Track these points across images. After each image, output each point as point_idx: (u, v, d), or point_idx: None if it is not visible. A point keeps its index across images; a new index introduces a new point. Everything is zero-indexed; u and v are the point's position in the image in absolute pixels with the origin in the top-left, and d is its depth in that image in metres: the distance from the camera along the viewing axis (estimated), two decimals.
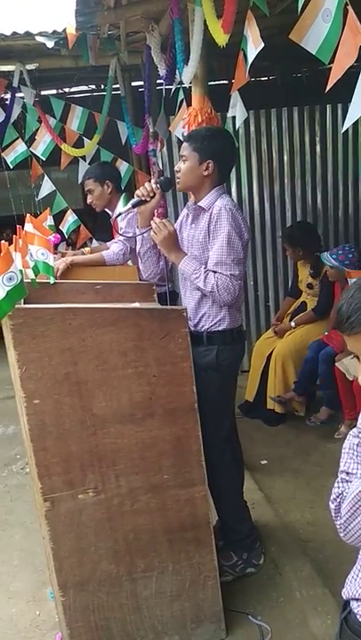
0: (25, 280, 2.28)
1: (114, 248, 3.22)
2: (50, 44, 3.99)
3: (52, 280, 2.39)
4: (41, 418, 1.86)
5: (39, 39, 4.00)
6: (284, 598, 2.34)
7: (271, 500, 3.01)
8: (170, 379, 1.95)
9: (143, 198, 2.28)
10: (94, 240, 4.72)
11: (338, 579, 2.35)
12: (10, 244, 1.98)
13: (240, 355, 2.47)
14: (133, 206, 2.31)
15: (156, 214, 3.43)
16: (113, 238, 2.92)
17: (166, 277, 2.51)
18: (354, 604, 1.11)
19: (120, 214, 2.37)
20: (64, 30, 3.86)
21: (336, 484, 1.12)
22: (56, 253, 3.68)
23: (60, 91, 6.43)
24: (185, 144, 2.31)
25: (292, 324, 4.01)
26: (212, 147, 2.26)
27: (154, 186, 2.28)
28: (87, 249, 3.77)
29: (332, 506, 1.11)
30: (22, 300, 2.16)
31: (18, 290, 1.82)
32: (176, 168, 2.36)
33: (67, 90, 6.51)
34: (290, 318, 4.12)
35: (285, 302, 4.35)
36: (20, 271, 1.90)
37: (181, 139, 3.17)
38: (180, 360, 1.96)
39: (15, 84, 4.51)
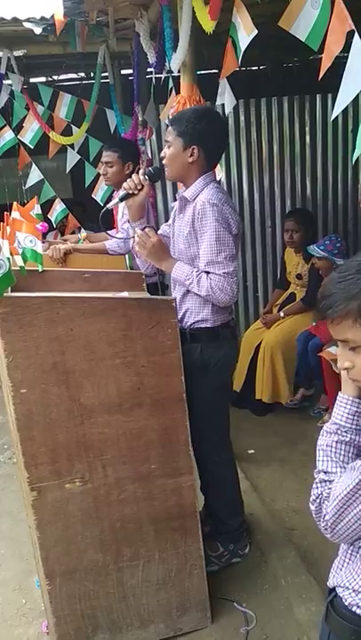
0: (13, 268, 2.27)
1: (118, 236, 3.20)
2: (37, 30, 3.92)
3: (39, 268, 2.37)
4: (28, 407, 1.86)
5: (27, 25, 3.93)
6: (269, 586, 2.37)
7: (258, 489, 3.03)
8: (158, 369, 1.95)
9: (131, 191, 2.20)
10: (82, 229, 4.68)
11: (322, 566, 2.39)
12: None
13: (230, 353, 2.37)
14: (121, 200, 2.25)
15: (149, 203, 3.44)
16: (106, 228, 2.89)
17: (158, 269, 2.48)
18: (340, 590, 1.12)
19: (106, 209, 2.30)
20: (52, 16, 3.80)
21: (315, 485, 1.12)
22: (44, 242, 3.67)
23: (50, 78, 6.35)
24: (169, 128, 2.20)
25: (281, 314, 4.02)
26: (196, 130, 2.12)
27: (141, 177, 2.19)
28: (83, 234, 3.75)
29: (312, 507, 1.11)
30: (10, 289, 2.15)
31: (5, 278, 1.81)
32: (161, 154, 2.26)
33: (55, 77, 6.43)
34: (278, 309, 4.13)
35: (274, 294, 4.36)
36: (8, 259, 1.89)
37: None
38: (168, 350, 1.95)
39: (2, 70, 4.44)
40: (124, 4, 3.63)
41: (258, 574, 2.43)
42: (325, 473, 1.10)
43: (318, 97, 4.54)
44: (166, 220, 2.62)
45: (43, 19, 3.93)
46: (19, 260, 2.25)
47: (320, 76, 1.54)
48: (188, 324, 2.28)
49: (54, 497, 1.94)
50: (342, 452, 1.10)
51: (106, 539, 2.03)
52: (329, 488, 1.08)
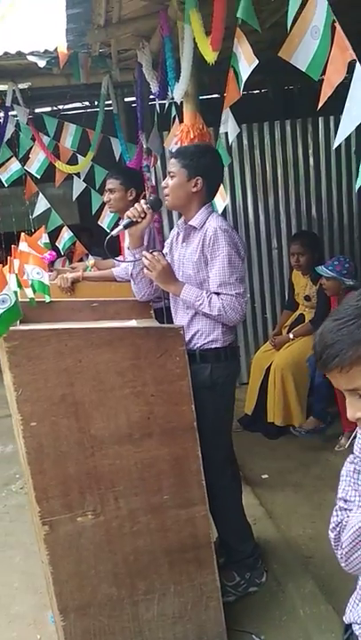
0: (23, 299, 2.29)
1: (123, 264, 3.22)
2: (42, 63, 4.01)
3: (47, 299, 2.38)
4: (38, 440, 1.85)
5: (31, 59, 4.02)
6: (287, 617, 2.31)
7: (273, 515, 2.98)
8: (168, 398, 1.94)
9: (134, 219, 2.26)
10: (90, 256, 4.72)
11: (341, 595, 2.32)
12: (4, 266, 1.98)
13: (235, 372, 2.44)
14: (125, 227, 2.29)
15: (154, 229, 3.47)
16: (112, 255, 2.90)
17: (163, 294, 2.49)
18: (356, 627, 1.09)
19: (111, 236, 2.34)
20: (55, 49, 3.88)
21: (335, 513, 1.10)
22: (52, 271, 3.70)
23: (54, 108, 6.47)
24: (173, 160, 2.30)
25: (291, 335, 4.00)
26: (201, 163, 2.25)
27: (145, 206, 2.25)
28: (91, 261, 3.78)
29: (331, 535, 1.09)
30: (18, 321, 2.15)
31: (12, 312, 1.81)
32: (163, 184, 2.34)
33: (60, 107, 6.55)
34: (288, 330, 4.11)
35: (283, 315, 4.35)
36: (15, 292, 1.90)
37: None
38: (177, 379, 1.94)
39: (8, 103, 4.53)
40: (126, 36, 3.71)
41: (275, 605, 2.37)
42: (345, 501, 1.09)
43: (321, 119, 4.59)
44: None
45: (46, 52, 4.03)
46: (29, 292, 2.27)
47: (319, 106, 1.55)
48: (198, 345, 2.31)
49: (66, 531, 1.91)
50: None
51: (120, 572, 2.00)
52: (348, 516, 1.06)
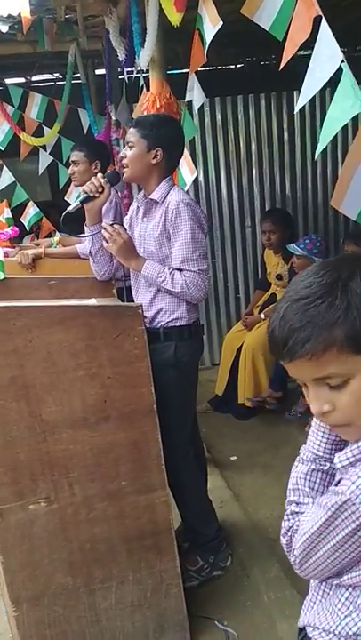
0: None
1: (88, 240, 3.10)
2: (4, 28, 3.80)
3: (1, 275, 2.26)
4: None
5: None
6: (251, 602, 2.26)
7: (240, 497, 2.93)
8: (125, 380, 1.84)
9: (91, 194, 2.15)
10: (57, 232, 4.56)
11: (306, 580, 2.29)
12: None
13: (199, 351, 2.38)
14: (82, 202, 2.17)
15: (121, 205, 3.34)
16: (70, 232, 2.79)
17: (124, 272, 2.39)
18: (309, 629, 1.02)
19: (68, 212, 2.22)
20: (19, 14, 3.68)
21: (286, 517, 1.02)
22: (14, 247, 3.56)
23: (25, 79, 6.23)
24: (132, 130, 2.20)
25: (262, 315, 3.93)
26: (161, 134, 2.16)
27: (102, 180, 2.14)
28: (56, 238, 3.64)
29: (283, 540, 1.01)
30: None
31: None
32: (121, 154, 2.24)
33: (30, 79, 6.31)
34: (259, 310, 4.04)
35: (255, 295, 4.27)
36: None
37: None
38: (136, 360, 1.84)
39: None
40: (93, 0, 3.52)
41: (239, 590, 2.33)
42: (297, 504, 1.00)
43: (296, 93, 4.45)
44: None
45: (10, 17, 3.81)
46: None
47: (280, 66, 1.44)
48: (162, 323, 2.25)
49: (17, 519, 1.82)
50: (318, 481, 1.00)
51: (75, 561, 1.91)
52: (299, 521, 0.98)
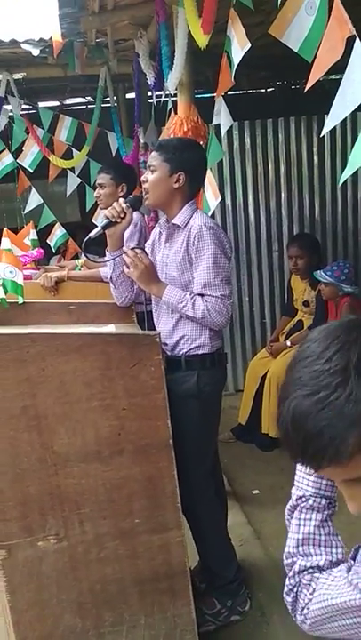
0: None
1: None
2: (35, 51, 3.84)
3: (20, 300, 2.22)
4: None
5: (25, 47, 3.85)
6: None
7: (261, 535, 2.79)
8: (141, 412, 1.76)
9: (113, 220, 2.10)
10: (83, 254, 4.54)
11: None
12: None
13: (222, 381, 2.29)
14: (104, 228, 2.12)
15: (146, 228, 3.30)
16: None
17: (145, 298, 2.31)
18: None
19: (89, 238, 2.17)
20: (50, 38, 3.71)
21: (292, 573, 0.92)
22: (39, 268, 3.53)
23: (57, 103, 6.32)
24: (154, 153, 2.15)
25: (288, 342, 3.80)
26: (184, 158, 2.11)
27: (124, 205, 2.09)
28: (81, 260, 3.61)
29: (287, 599, 0.92)
30: None
31: None
32: (143, 178, 2.17)
33: (61, 103, 6.40)
34: (285, 337, 3.92)
35: (281, 321, 4.15)
36: None
37: None
38: (152, 391, 1.76)
39: (1, 93, 4.36)
40: (123, 24, 3.53)
41: (258, 637, 2.19)
42: (304, 557, 0.91)
43: (326, 117, 4.37)
44: None
45: (41, 40, 3.85)
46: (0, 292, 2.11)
47: (307, 87, 1.36)
48: (184, 350, 2.17)
49: (26, 556, 1.74)
50: (327, 531, 0.91)
51: (85, 602, 1.82)
52: (310, 574, 0.88)
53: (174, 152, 2.11)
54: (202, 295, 2.07)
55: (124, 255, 2.08)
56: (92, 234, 2.14)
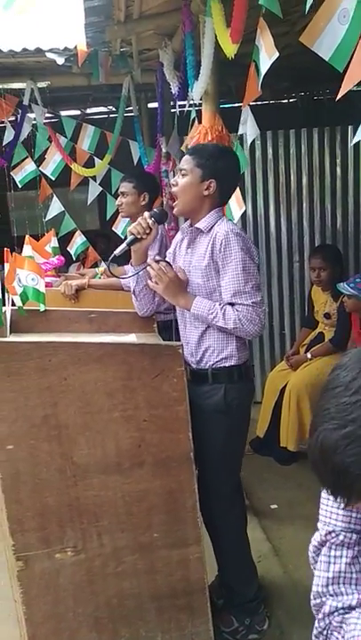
0: (12, 308, 2.11)
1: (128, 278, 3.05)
2: (60, 60, 3.86)
3: (41, 307, 2.20)
4: (15, 465, 1.65)
5: (50, 56, 3.87)
6: None
7: (280, 552, 2.73)
8: (162, 424, 1.73)
9: (139, 236, 2.05)
10: (102, 262, 4.55)
11: None
12: None
13: (250, 394, 2.20)
14: (129, 245, 2.08)
15: (167, 237, 3.28)
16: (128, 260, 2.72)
17: (170, 306, 2.27)
18: None
19: (114, 256, 2.13)
20: (75, 47, 3.73)
21: (321, 614, 0.88)
22: (59, 276, 3.53)
23: (79, 112, 6.36)
24: (187, 157, 2.07)
25: (308, 355, 3.75)
26: (217, 165, 2.04)
27: (149, 221, 2.04)
28: (101, 268, 3.61)
29: None
30: (9, 330, 1.98)
31: None
32: (172, 182, 2.11)
33: (83, 111, 6.44)
34: (305, 349, 3.87)
35: (301, 333, 4.10)
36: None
37: None
38: (174, 403, 1.74)
39: (26, 102, 4.39)
40: (148, 33, 3.54)
41: None
42: (335, 596, 0.86)
43: (350, 128, 4.35)
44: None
45: (66, 49, 3.87)
46: (18, 301, 2.10)
47: (338, 97, 1.33)
48: (210, 363, 2.08)
49: (43, 568, 1.71)
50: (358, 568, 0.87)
51: (101, 616, 1.79)
52: (340, 615, 0.84)
53: (208, 158, 2.04)
54: (232, 304, 1.99)
55: (148, 268, 2.04)
56: (117, 252, 2.10)
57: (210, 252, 2.03)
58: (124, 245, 2.10)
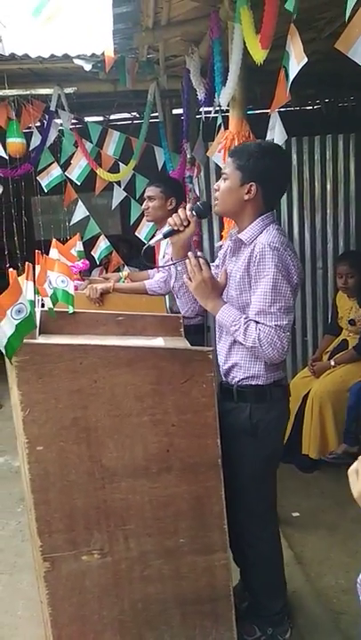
0: (42, 309, 2.13)
1: (157, 277, 3.06)
2: (87, 66, 3.90)
3: (70, 309, 2.22)
4: (44, 467, 1.67)
5: (77, 62, 3.92)
6: None
7: (302, 560, 2.71)
8: (191, 429, 1.73)
9: (176, 228, 1.97)
10: (126, 267, 4.57)
11: None
12: (21, 274, 1.81)
13: (282, 416, 2.08)
14: (165, 236, 2.02)
15: (192, 242, 3.29)
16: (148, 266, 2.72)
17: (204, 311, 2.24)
18: None
19: (148, 246, 2.09)
20: (102, 53, 3.77)
21: None
22: (83, 279, 3.56)
23: (102, 117, 6.42)
24: (228, 159, 1.97)
25: (332, 362, 3.73)
26: (258, 166, 1.89)
27: (188, 213, 1.95)
28: (125, 272, 3.63)
29: None
30: (38, 331, 1.99)
31: (27, 323, 1.64)
32: (215, 186, 2.02)
33: (108, 117, 6.49)
34: (329, 356, 3.84)
35: (324, 340, 4.07)
36: (31, 302, 1.73)
37: (220, 164, 2.97)
38: (203, 408, 1.73)
39: (53, 107, 4.44)
40: (175, 40, 3.57)
41: None
42: None
43: None
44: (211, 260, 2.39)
45: (93, 55, 3.92)
46: (48, 302, 2.12)
47: None
48: (236, 379, 2.00)
49: (69, 569, 1.72)
50: None
51: (126, 620, 1.79)
52: None
53: (248, 159, 1.90)
54: (257, 322, 1.87)
55: (186, 262, 1.95)
56: (152, 242, 2.08)
57: (246, 265, 1.92)
58: (159, 236, 2.07)
